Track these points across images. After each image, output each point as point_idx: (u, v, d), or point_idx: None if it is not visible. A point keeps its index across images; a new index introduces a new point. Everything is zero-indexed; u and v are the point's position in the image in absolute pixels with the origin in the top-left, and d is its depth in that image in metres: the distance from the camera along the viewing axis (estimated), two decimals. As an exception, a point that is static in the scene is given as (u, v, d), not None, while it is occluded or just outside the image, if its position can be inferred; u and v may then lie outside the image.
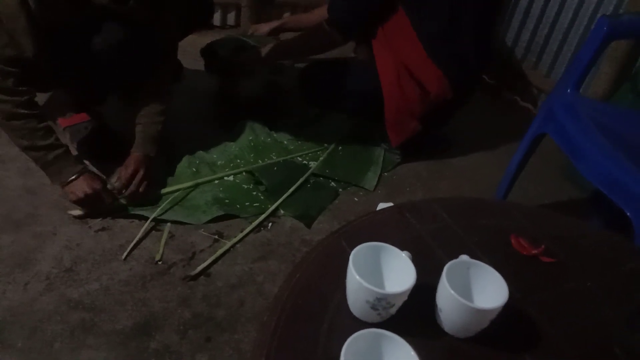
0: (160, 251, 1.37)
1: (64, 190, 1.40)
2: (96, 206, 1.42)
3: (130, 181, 1.45)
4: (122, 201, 1.47)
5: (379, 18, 1.65)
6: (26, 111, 1.31)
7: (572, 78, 1.44)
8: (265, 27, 2.04)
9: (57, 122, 1.64)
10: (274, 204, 1.56)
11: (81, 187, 1.37)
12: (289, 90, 1.98)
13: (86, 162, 1.55)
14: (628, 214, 1.17)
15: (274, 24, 2.05)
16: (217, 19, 2.37)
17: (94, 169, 1.55)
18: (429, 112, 1.71)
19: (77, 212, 1.43)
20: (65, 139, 1.57)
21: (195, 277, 1.33)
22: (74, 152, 1.55)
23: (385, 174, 1.80)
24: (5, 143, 1.59)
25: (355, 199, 1.68)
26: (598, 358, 0.72)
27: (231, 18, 2.42)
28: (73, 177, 1.38)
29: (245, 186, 1.62)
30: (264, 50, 1.79)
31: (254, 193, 1.60)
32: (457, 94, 1.72)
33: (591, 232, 0.95)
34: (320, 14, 1.93)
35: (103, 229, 1.42)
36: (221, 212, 1.50)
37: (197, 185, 1.58)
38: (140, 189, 1.46)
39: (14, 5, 1.20)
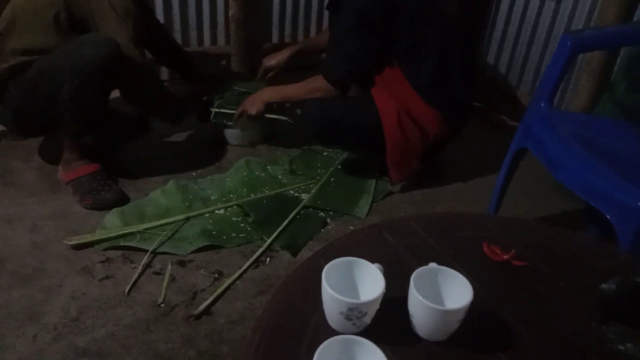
0: (163, 294, 1.42)
1: None
2: None
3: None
4: None
5: (375, 71, 1.74)
6: None
7: (545, 93, 1.50)
8: (277, 58, 2.11)
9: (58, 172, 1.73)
10: (261, 235, 1.62)
11: None
12: (286, 126, 2.06)
13: None
14: (609, 217, 1.20)
15: (286, 53, 2.11)
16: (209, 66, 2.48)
17: None
18: (428, 149, 1.79)
19: (74, 241, 1.51)
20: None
21: (198, 317, 1.37)
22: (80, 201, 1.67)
23: (380, 201, 1.85)
24: (12, 204, 1.67)
25: (351, 227, 1.72)
26: (572, 357, 0.75)
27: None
28: None
29: (235, 219, 1.69)
30: (261, 97, 1.87)
31: (242, 225, 1.66)
32: (453, 129, 1.80)
33: (566, 237, 0.99)
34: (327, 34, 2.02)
35: (107, 277, 1.47)
36: (206, 243, 1.57)
37: (188, 219, 1.65)
38: None
39: None
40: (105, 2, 1.59)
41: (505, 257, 0.86)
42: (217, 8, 2.35)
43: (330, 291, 0.68)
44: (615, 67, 1.90)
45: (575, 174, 1.33)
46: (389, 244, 0.90)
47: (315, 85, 1.75)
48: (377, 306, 0.70)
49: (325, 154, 2.05)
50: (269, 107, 1.88)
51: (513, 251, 0.86)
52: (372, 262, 0.76)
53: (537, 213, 1.84)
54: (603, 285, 0.75)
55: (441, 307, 0.68)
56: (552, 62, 1.47)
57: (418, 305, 0.69)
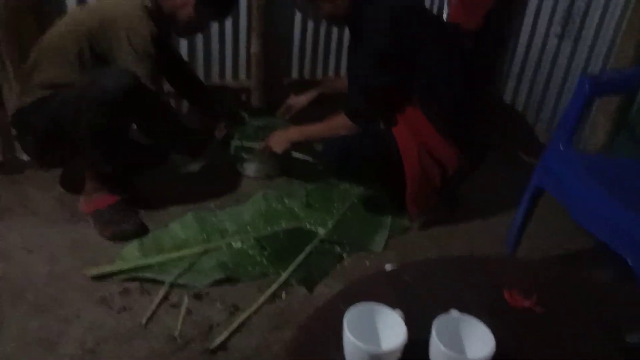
0: (179, 327, 1.42)
1: None
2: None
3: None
4: None
5: (395, 109, 1.76)
6: None
7: (564, 134, 1.51)
8: (300, 100, 2.16)
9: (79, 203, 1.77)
10: (277, 269, 1.62)
11: None
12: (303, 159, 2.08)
13: None
14: (628, 261, 1.19)
15: (310, 95, 2.16)
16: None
17: None
18: (447, 184, 1.80)
19: (93, 272, 1.53)
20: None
21: (213, 351, 1.36)
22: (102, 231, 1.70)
23: (396, 236, 1.84)
24: (32, 233, 1.70)
25: (367, 262, 1.72)
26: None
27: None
28: None
29: (251, 252, 1.69)
30: (287, 136, 1.91)
31: (259, 259, 1.67)
32: (472, 164, 1.82)
33: (587, 280, 0.98)
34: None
35: (124, 308, 1.48)
36: (222, 276, 1.57)
37: (205, 251, 1.66)
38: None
39: None
40: (124, 41, 1.64)
41: (526, 304, 0.86)
42: (239, 44, 2.42)
43: (353, 339, 0.68)
44: (634, 106, 1.90)
45: (593, 214, 1.32)
46: (409, 287, 0.90)
47: (338, 123, 1.78)
48: (399, 355, 0.70)
49: (341, 187, 2.06)
50: (295, 146, 1.92)
51: (534, 298, 0.86)
52: (393, 306, 0.76)
53: (556, 252, 1.82)
54: (628, 339, 0.74)
55: (463, 358, 0.68)
56: (570, 104, 1.48)
57: (440, 354, 0.69)
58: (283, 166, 2.13)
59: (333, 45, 2.60)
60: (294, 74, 2.59)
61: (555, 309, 0.88)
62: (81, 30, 1.65)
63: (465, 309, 0.80)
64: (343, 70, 2.63)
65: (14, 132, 1.81)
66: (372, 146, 1.77)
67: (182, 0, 1.77)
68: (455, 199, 1.99)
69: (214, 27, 2.33)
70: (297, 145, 1.94)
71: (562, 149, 1.50)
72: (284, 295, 1.56)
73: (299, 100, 2.17)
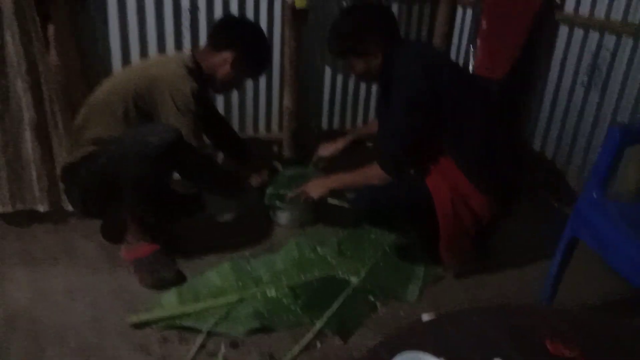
0: (216, 376, 1.43)
1: None
2: None
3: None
4: None
5: (428, 158, 1.81)
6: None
7: (596, 183, 1.52)
8: (331, 149, 2.23)
9: (120, 252, 1.83)
10: (311, 318, 1.63)
11: None
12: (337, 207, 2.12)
13: None
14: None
15: (339, 145, 2.22)
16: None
17: None
18: (480, 232, 1.81)
19: (134, 319, 1.57)
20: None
21: (249, 400, 1.37)
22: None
23: (429, 286, 1.84)
24: (76, 279, 1.76)
25: (401, 312, 1.71)
26: None
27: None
28: None
29: (286, 301, 1.71)
30: (324, 184, 1.95)
31: (293, 308, 1.68)
32: (504, 211, 1.83)
33: (629, 328, 0.97)
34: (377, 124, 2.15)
35: (163, 357, 1.50)
36: (257, 325, 1.59)
37: (241, 300, 1.69)
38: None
39: None
40: (168, 98, 1.75)
41: (569, 353, 0.86)
42: (272, 98, 2.54)
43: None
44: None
45: (630, 261, 1.31)
46: (451, 336, 0.91)
47: (372, 173, 1.82)
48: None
49: (372, 236, 2.09)
50: (332, 193, 1.97)
51: (579, 350, 0.86)
52: (438, 355, 0.77)
53: (592, 299, 1.79)
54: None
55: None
56: (601, 153, 1.50)
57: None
58: (315, 215, 2.17)
59: (361, 97, 2.70)
60: (324, 126, 2.69)
61: (598, 359, 0.87)
62: (128, 89, 1.76)
63: (507, 358, 0.81)
64: (371, 119, 2.72)
65: (62, 185, 1.91)
66: (406, 195, 1.80)
67: (221, 59, 1.89)
68: (488, 248, 1.99)
69: (249, 82, 2.46)
70: (332, 193, 1.99)
71: (595, 197, 1.51)
72: (318, 345, 1.56)
73: (328, 150, 2.23)
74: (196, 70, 1.85)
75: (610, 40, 2.15)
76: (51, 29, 1.95)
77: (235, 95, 2.47)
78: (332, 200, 2.04)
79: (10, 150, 1.96)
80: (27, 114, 1.94)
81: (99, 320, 1.61)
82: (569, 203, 2.35)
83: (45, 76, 1.94)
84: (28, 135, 1.96)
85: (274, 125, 2.60)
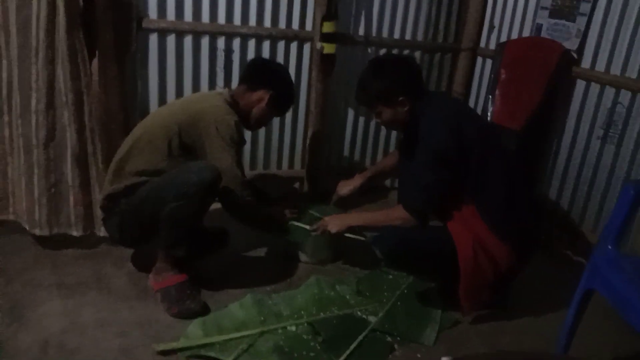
0: (237, 409, 1.48)
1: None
2: None
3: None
4: None
5: (452, 206, 1.87)
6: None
7: (611, 237, 1.57)
8: (350, 187, 2.29)
9: (148, 280, 1.91)
10: (330, 357, 1.67)
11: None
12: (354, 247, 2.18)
13: None
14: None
15: (357, 182, 2.29)
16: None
17: None
18: (499, 280, 1.86)
19: (161, 347, 1.62)
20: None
21: None
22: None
23: (446, 330, 1.88)
24: (104, 308, 1.83)
25: (418, 355, 1.75)
26: None
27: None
28: None
29: (305, 337, 1.75)
30: (345, 220, 2.02)
31: (312, 344, 1.73)
32: (522, 260, 1.88)
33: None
34: (393, 158, 2.24)
35: (187, 387, 1.55)
36: None
37: (262, 333, 1.74)
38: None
39: None
40: (213, 130, 1.85)
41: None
42: (296, 137, 2.64)
43: None
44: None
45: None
46: (472, 383, 0.96)
47: (396, 215, 1.89)
48: None
49: (390, 277, 2.14)
50: (350, 230, 2.03)
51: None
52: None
53: (607, 352, 1.81)
54: None
55: None
56: (615, 209, 1.56)
57: None
58: (335, 253, 2.24)
59: (382, 138, 2.80)
60: (344, 164, 2.78)
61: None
62: (172, 124, 1.88)
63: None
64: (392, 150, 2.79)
65: (101, 213, 2.00)
66: (428, 239, 1.87)
67: (257, 97, 2.01)
68: (506, 296, 2.03)
69: (275, 121, 2.56)
70: (350, 229, 2.05)
71: (610, 252, 1.56)
72: (338, 385, 1.60)
73: (347, 188, 2.31)
74: (233, 106, 1.97)
75: (625, 95, 2.22)
76: (95, 63, 2.08)
77: (262, 131, 2.57)
78: (349, 234, 2.09)
79: (52, 177, 2.07)
80: (70, 143, 2.06)
81: (127, 349, 1.66)
82: (584, 254, 2.38)
83: (88, 109, 2.06)
84: (69, 164, 2.07)
85: (297, 163, 2.69)
